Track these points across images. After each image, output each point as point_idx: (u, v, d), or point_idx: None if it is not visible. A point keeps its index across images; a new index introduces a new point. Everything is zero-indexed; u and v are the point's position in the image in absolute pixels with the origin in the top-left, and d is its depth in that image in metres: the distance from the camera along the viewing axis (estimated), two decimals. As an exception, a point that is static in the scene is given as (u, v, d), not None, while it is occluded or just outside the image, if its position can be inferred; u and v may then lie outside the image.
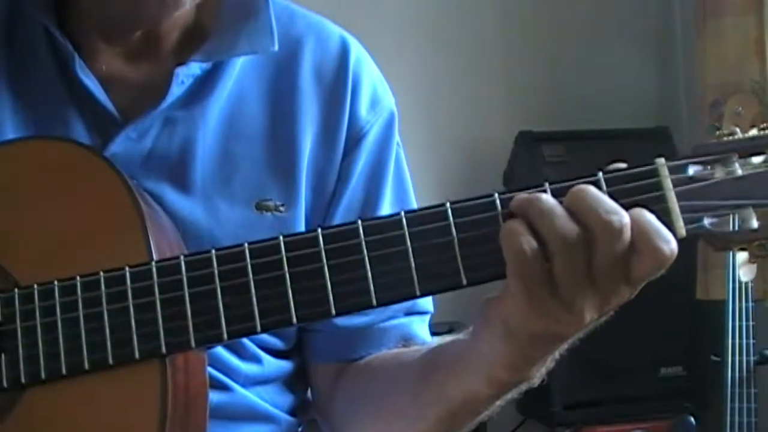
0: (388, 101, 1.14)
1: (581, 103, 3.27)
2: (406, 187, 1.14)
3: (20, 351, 0.84)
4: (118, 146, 1.00)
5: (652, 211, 0.78)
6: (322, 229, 0.82)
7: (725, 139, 0.81)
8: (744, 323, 2.50)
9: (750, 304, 2.51)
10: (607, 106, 3.27)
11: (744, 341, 2.50)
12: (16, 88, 1.02)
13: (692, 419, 2.64)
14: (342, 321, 1.05)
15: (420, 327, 1.13)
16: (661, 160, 0.80)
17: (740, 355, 2.50)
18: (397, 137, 1.14)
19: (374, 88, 1.13)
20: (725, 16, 2.86)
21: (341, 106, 1.09)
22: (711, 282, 2.83)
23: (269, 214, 1.03)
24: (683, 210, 0.79)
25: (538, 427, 3.10)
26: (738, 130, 0.81)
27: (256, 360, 1.06)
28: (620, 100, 3.30)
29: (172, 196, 1.00)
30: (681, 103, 3.36)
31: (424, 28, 3.29)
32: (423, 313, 1.14)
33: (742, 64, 2.81)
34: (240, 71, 1.07)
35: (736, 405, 2.48)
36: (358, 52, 1.13)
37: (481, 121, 3.30)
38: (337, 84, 1.09)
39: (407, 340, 1.10)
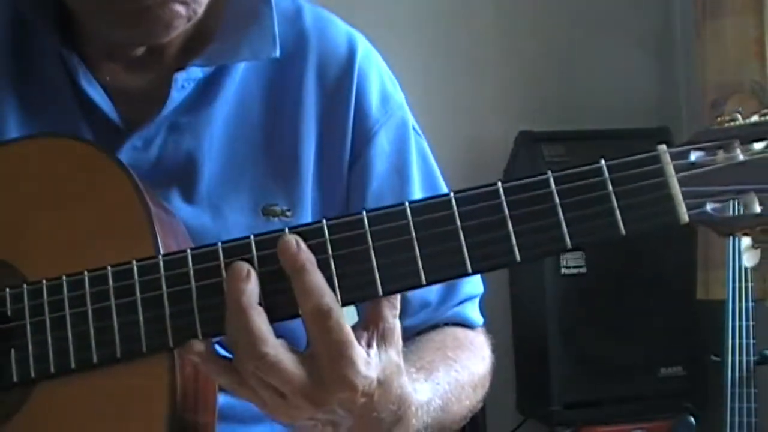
0: (399, 97, 1.12)
1: (581, 103, 3.28)
2: (434, 176, 1.14)
3: (30, 347, 0.84)
4: (124, 156, 0.98)
5: (654, 197, 0.79)
6: (327, 219, 0.82)
7: (727, 125, 0.81)
8: (744, 323, 2.51)
9: (750, 304, 2.51)
10: (608, 106, 3.27)
11: (744, 341, 2.51)
12: (23, 97, 1.02)
13: (692, 419, 2.64)
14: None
15: (472, 311, 1.15)
16: (663, 147, 0.80)
17: (740, 355, 2.50)
18: (413, 129, 1.13)
19: (383, 85, 1.11)
20: (725, 17, 2.87)
21: (346, 105, 1.07)
22: (711, 282, 2.84)
23: (276, 219, 1.02)
24: (686, 196, 0.79)
25: (538, 427, 3.10)
26: (739, 116, 0.81)
27: None
28: (620, 100, 3.30)
29: (178, 203, 0.99)
30: (681, 103, 3.37)
31: (425, 27, 3.29)
32: (472, 297, 1.15)
33: (742, 64, 2.82)
34: (243, 73, 1.05)
35: (736, 405, 2.48)
36: (365, 49, 1.11)
37: (481, 121, 3.30)
38: (342, 83, 1.08)
39: (462, 324, 1.12)
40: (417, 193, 1.11)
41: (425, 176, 1.13)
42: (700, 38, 2.97)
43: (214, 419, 0.90)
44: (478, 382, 1.06)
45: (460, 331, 1.11)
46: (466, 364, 1.04)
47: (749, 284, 2.51)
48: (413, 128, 1.13)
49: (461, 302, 1.13)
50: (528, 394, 3.18)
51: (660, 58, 3.43)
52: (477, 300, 1.16)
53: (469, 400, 1.03)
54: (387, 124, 1.09)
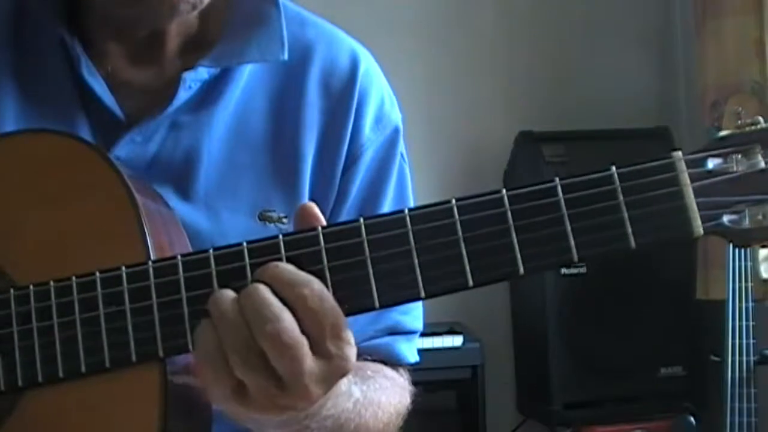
0: (394, 117, 1.12)
1: (581, 103, 3.27)
2: (406, 203, 1.11)
3: (17, 354, 0.83)
4: (122, 149, 0.99)
5: (667, 208, 0.75)
6: (323, 228, 0.80)
7: (747, 129, 0.76)
8: (744, 323, 2.50)
9: (750, 304, 2.50)
10: (608, 106, 3.27)
11: (744, 341, 2.50)
12: (22, 87, 1.02)
13: (692, 419, 2.64)
14: None
15: (404, 347, 1.11)
16: (678, 154, 0.76)
17: (740, 355, 2.50)
18: (400, 153, 1.12)
19: (380, 104, 1.11)
20: (725, 16, 2.86)
21: (345, 120, 1.07)
22: (711, 282, 2.83)
23: (272, 225, 1.02)
24: (701, 207, 0.75)
25: (538, 427, 3.10)
26: (761, 119, 0.75)
27: None
28: (620, 100, 3.30)
29: (175, 202, 0.98)
30: (681, 103, 3.36)
31: (425, 27, 3.29)
32: (409, 332, 1.12)
33: (742, 64, 2.81)
34: (248, 78, 1.06)
35: (736, 405, 2.47)
36: (368, 65, 1.11)
37: (481, 121, 3.30)
38: (344, 97, 1.08)
39: (391, 359, 1.08)
40: (386, 208, 1.09)
41: (397, 203, 1.11)
42: (700, 38, 2.96)
43: (209, 424, 0.89)
44: (394, 411, 1.04)
45: (388, 370, 1.08)
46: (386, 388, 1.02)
47: (749, 284, 2.50)
48: (400, 153, 1.12)
49: (395, 333, 1.09)
50: (528, 394, 3.17)
51: (660, 58, 3.43)
52: (414, 337, 1.13)
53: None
54: (376, 144, 1.09)
